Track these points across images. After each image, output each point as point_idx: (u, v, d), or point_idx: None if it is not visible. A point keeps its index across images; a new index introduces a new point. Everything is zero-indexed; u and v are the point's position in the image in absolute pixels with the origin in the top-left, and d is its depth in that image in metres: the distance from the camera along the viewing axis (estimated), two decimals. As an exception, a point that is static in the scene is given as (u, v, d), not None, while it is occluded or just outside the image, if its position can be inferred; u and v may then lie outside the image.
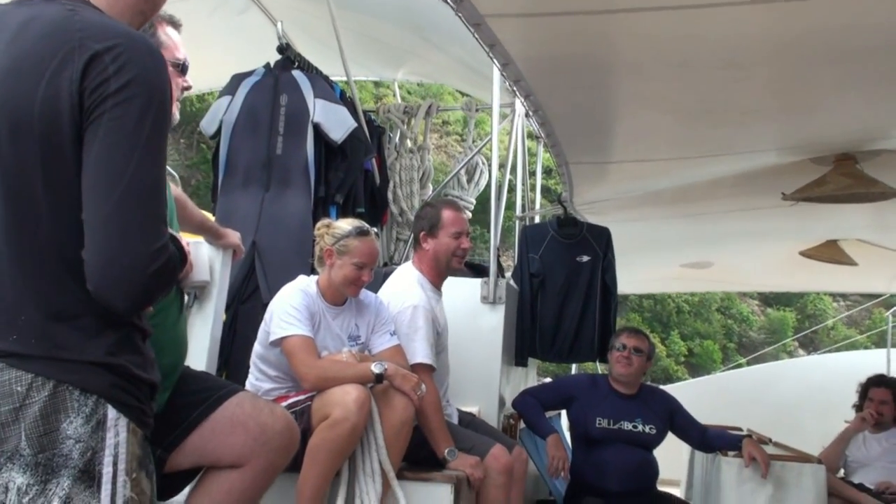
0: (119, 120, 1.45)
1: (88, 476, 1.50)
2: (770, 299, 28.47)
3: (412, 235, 4.13)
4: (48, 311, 1.50)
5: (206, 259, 3.04)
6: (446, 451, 3.48)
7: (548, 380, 6.15)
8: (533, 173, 6.84)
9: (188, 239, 2.58)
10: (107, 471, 1.51)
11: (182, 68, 2.27)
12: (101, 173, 1.46)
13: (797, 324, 25.33)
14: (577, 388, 4.56)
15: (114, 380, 1.53)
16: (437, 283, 3.92)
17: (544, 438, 4.31)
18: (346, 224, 3.46)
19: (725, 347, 26.18)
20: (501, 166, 5.57)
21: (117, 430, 1.53)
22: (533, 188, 6.78)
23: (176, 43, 2.30)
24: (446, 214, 3.89)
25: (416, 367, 3.56)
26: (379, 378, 3.15)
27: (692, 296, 26.48)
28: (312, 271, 3.61)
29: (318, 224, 3.51)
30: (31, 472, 1.46)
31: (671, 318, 26.27)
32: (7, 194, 1.49)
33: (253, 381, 3.42)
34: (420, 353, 3.62)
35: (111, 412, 1.52)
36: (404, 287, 3.83)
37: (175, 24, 2.33)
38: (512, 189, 6.12)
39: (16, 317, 1.49)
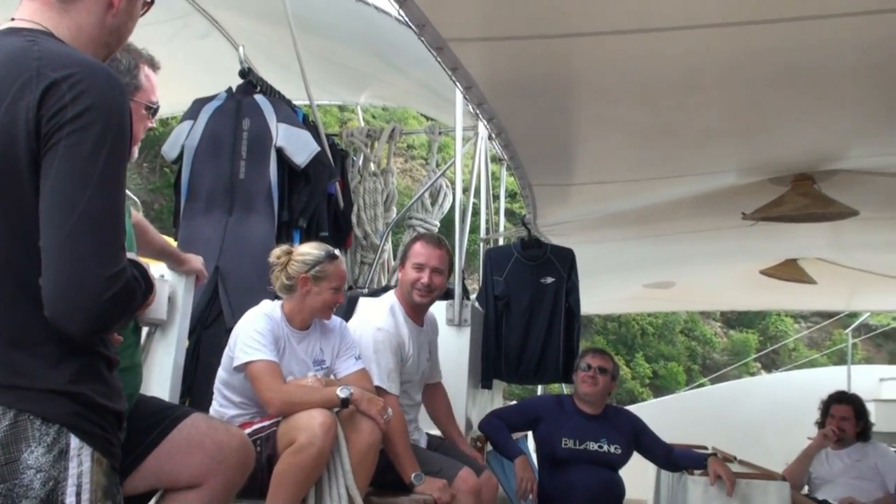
0: (75, 147, 1.46)
1: None
2: (732, 321, 28.76)
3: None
4: (9, 339, 1.49)
5: (164, 296, 3.01)
6: (413, 475, 3.46)
7: (514, 402, 6.15)
8: (497, 196, 6.87)
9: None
10: (69, 501, 1.49)
11: (153, 112, 2.28)
12: (56, 200, 1.45)
13: (759, 345, 25.59)
14: (544, 408, 4.57)
15: (76, 409, 1.52)
16: (410, 312, 3.90)
17: (512, 460, 4.30)
18: (312, 249, 3.44)
19: (689, 369, 26.36)
20: (465, 189, 5.60)
21: (80, 459, 1.51)
22: (497, 211, 6.81)
23: (153, 86, 2.32)
24: (415, 246, 3.92)
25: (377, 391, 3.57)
26: (345, 402, 3.14)
27: (656, 318, 26.66)
28: (276, 297, 3.58)
29: (277, 252, 3.46)
30: None
31: (636, 341, 26.42)
32: None
33: (217, 407, 3.38)
34: (376, 377, 3.62)
35: (74, 441, 1.51)
36: (375, 311, 3.85)
37: (154, 66, 2.35)
38: (476, 212, 6.14)
39: None
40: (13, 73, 1.49)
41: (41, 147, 1.46)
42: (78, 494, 1.50)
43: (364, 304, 4.16)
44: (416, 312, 3.93)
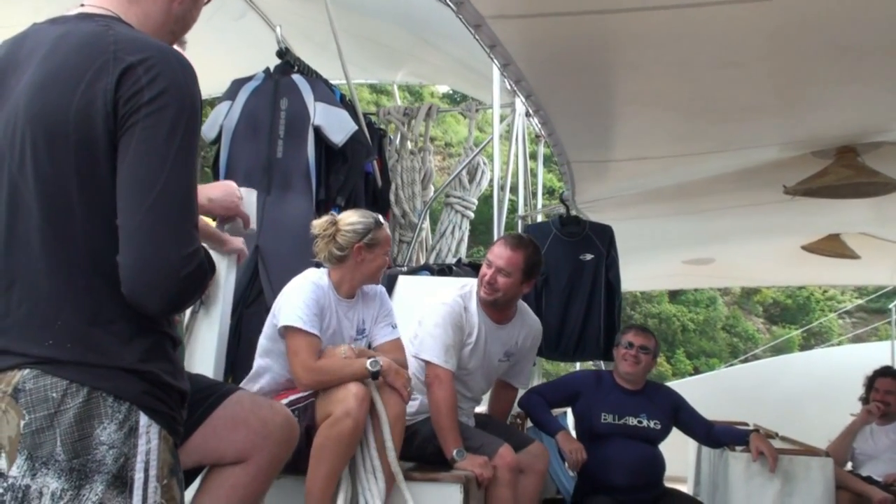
0: (152, 129, 1.50)
1: (121, 482, 1.52)
2: (775, 317, 28.52)
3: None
4: (85, 316, 1.53)
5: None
6: (455, 451, 3.48)
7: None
8: (535, 173, 6.84)
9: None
10: (139, 476, 1.53)
11: None
12: (135, 180, 1.50)
13: (802, 341, 25.33)
14: (583, 384, 4.57)
15: (146, 387, 1.55)
16: (487, 309, 3.88)
17: (553, 436, 4.31)
18: (360, 217, 3.42)
19: (731, 366, 26.25)
20: (503, 166, 5.58)
21: (149, 436, 1.55)
22: (535, 187, 6.79)
23: None
24: (495, 244, 3.93)
25: (432, 366, 3.61)
26: (375, 375, 3.16)
27: (697, 314, 26.53)
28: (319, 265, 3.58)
29: (321, 223, 3.43)
30: (66, 478, 1.48)
31: (676, 337, 26.27)
32: (43, 201, 1.53)
33: (258, 379, 3.39)
34: (430, 350, 3.64)
35: (143, 419, 1.55)
36: (449, 290, 3.89)
37: (181, 44, 2.37)
38: (514, 188, 6.12)
39: (52, 321, 1.52)
40: (90, 56, 1.53)
41: (118, 129, 1.50)
42: (146, 471, 1.54)
43: (435, 283, 4.15)
44: (491, 307, 3.89)
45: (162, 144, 1.50)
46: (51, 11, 1.72)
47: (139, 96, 1.49)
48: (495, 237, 4.90)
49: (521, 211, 6.29)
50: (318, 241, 3.42)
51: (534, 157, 6.97)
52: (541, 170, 7.05)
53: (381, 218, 3.48)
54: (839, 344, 23.36)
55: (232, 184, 2.00)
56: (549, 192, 10.92)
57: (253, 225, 2.92)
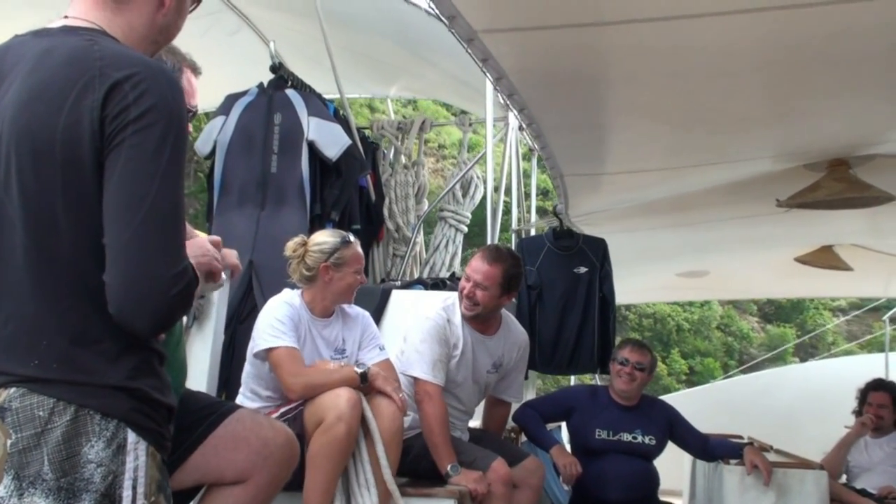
0: (139, 146, 1.48)
1: (109, 500, 1.51)
2: (770, 315, 28.51)
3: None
4: (70, 336, 1.51)
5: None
6: (449, 466, 3.47)
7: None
8: (528, 186, 6.85)
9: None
10: (126, 494, 1.52)
11: (191, 116, 2.31)
12: (122, 198, 1.48)
13: (797, 338, 25.37)
14: (577, 399, 4.56)
15: (134, 404, 1.54)
16: (472, 321, 3.88)
17: (547, 450, 4.30)
18: (327, 238, 3.45)
19: (726, 365, 26.16)
20: (496, 180, 5.58)
21: (137, 453, 1.54)
22: (528, 200, 6.79)
23: (193, 91, 2.37)
24: (474, 257, 3.91)
25: (420, 382, 3.61)
26: (364, 377, 3.18)
27: (692, 314, 26.50)
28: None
29: (291, 245, 3.47)
30: (54, 497, 1.47)
31: (671, 337, 26.26)
32: (28, 219, 1.51)
33: (244, 401, 3.39)
34: (418, 367, 3.64)
35: (131, 436, 1.53)
36: (431, 303, 3.90)
37: (196, 71, 2.40)
38: (507, 202, 6.12)
39: (38, 341, 1.50)
40: (76, 72, 1.51)
41: (105, 146, 1.48)
42: (134, 488, 1.53)
43: (420, 296, 4.15)
44: (473, 319, 3.89)
45: (150, 161, 1.48)
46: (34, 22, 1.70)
47: (126, 113, 1.48)
48: (489, 251, 4.90)
49: (514, 224, 6.29)
50: (290, 262, 3.45)
51: (528, 171, 6.97)
52: (534, 183, 7.05)
53: (350, 237, 3.48)
54: (833, 342, 23.38)
55: (204, 240, 1.98)
56: (544, 192, 10.91)
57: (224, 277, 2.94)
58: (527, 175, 6.80)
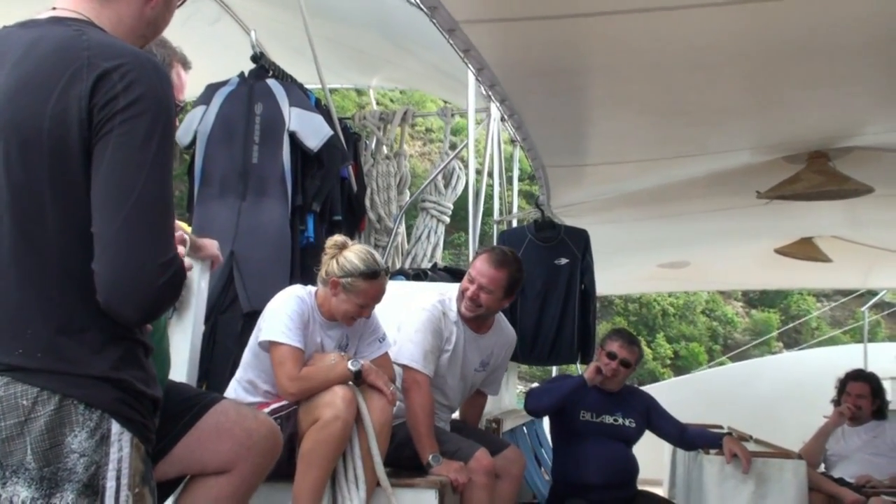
0: (128, 135, 1.49)
1: (92, 490, 1.51)
2: (754, 301, 28.74)
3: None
4: (55, 325, 1.51)
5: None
6: (430, 456, 3.48)
7: (534, 384, 6.17)
8: (510, 178, 6.86)
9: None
10: (110, 485, 1.52)
11: (178, 110, 2.30)
12: (111, 187, 1.48)
13: (781, 325, 25.54)
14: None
15: (118, 395, 1.54)
16: (465, 318, 3.88)
17: (571, 385, 4.38)
18: (357, 258, 3.31)
19: (711, 349, 26.35)
20: (478, 171, 5.59)
21: (121, 444, 1.54)
22: (510, 192, 6.80)
23: (182, 85, 2.38)
24: (478, 259, 3.89)
25: (409, 371, 3.61)
26: (357, 375, 3.17)
27: (677, 299, 26.68)
28: (291, 279, 3.59)
29: (331, 241, 3.41)
30: (36, 486, 1.47)
31: (657, 321, 26.45)
32: (15, 208, 1.51)
33: (239, 392, 3.38)
34: (407, 355, 3.64)
35: (115, 427, 1.53)
36: (427, 296, 3.89)
37: (186, 66, 2.40)
38: (489, 194, 6.14)
39: (22, 330, 1.50)
40: (64, 62, 1.51)
41: (93, 136, 1.49)
42: (118, 479, 1.53)
43: (416, 288, 4.13)
44: (472, 320, 3.91)
45: (138, 151, 1.49)
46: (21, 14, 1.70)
47: (114, 103, 1.48)
48: (471, 242, 4.91)
49: (496, 215, 6.31)
50: (325, 255, 3.41)
51: (510, 161, 6.98)
52: (516, 174, 7.07)
53: (378, 271, 3.33)
54: (817, 328, 23.58)
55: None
56: (531, 177, 10.91)
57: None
58: (509, 166, 6.81)
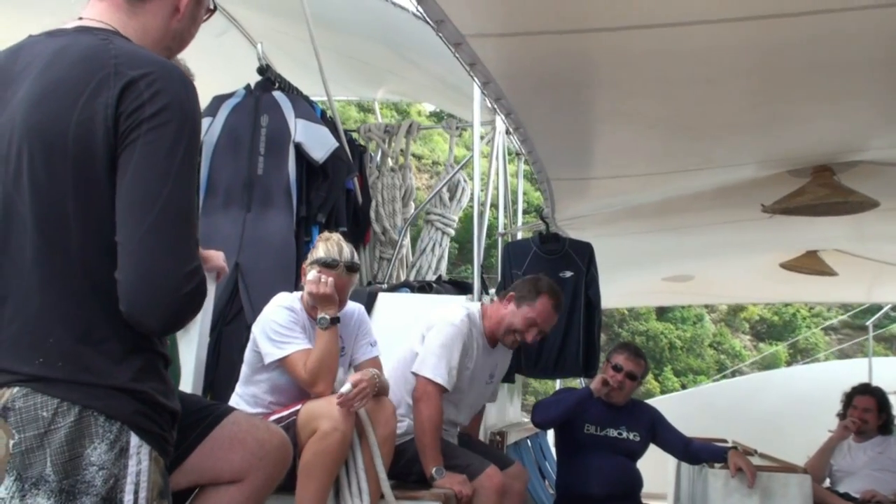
0: (154, 144, 1.48)
1: (109, 503, 1.49)
2: (762, 334, 28.73)
3: (506, 289, 4.16)
4: (76, 334, 1.50)
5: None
6: (434, 469, 3.48)
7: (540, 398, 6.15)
8: (515, 191, 6.86)
9: None
10: (128, 498, 1.50)
11: None
12: (136, 196, 1.48)
13: (789, 358, 25.51)
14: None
15: (138, 407, 1.53)
16: (488, 333, 3.91)
17: (580, 395, 4.41)
18: (322, 249, 3.34)
19: (713, 382, 26.33)
20: (483, 184, 5.59)
21: (140, 457, 1.52)
22: (515, 204, 6.81)
23: None
24: (542, 302, 3.84)
25: (424, 381, 3.60)
26: (335, 320, 3.24)
27: (684, 332, 26.64)
28: (296, 291, 3.59)
29: (322, 235, 3.46)
30: (56, 499, 1.45)
31: (664, 355, 26.40)
32: (38, 216, 1.51)
33: (243, 405, 3.36)
34: (431, 369, 3.63)
35: (134, 439, 1.52)
36: (454, 310, 3.84)
37: (189, 77, 2.39)
38: (494, 206, 6.13)
39: (43, 339, 1.49)
40: (90, 70, 1.51)
41: (118, 144, 1.49)
42: (136, 493, 1.51)
43: (436, 301, 4.13)
44: (491, 339, 3.93)
45: (163, 160, 1.49)
46: (49, 23, 1.70)
47: (141, 111, 1.48)
48: (475, 255, 4.91)
49: (501, 228, 6.30)
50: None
51: (514, 174, 6.99)
52: (521, 187, 7.07)
53: (338, 264, 3.29)
54: (826, 360, 23.52)
55: None
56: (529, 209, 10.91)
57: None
58: (513, 171, 6.81)
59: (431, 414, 3.56)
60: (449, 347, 3.68)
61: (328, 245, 3.36)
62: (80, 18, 1.66)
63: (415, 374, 3.65)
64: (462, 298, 4.59)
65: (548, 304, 3.84)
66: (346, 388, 3.07)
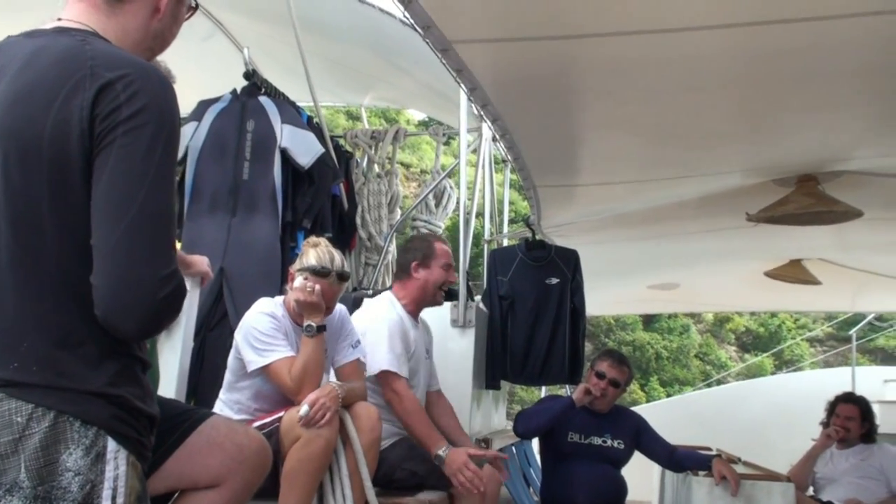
0: (130, 146, 1.46)
1: None
2: (747, 345, 28.87)
3: (398, 265, 4.15)
4: (52, 338, 1.48)
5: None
6: (440, 450, 3.49)
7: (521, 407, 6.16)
8: (501, 199, 6.86)
9: None
10: None
11: None
12: (112, 199, 1.46)
13: (775, 369, 25.65)
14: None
15: (114, 411, 1.51)
16: (413, 311, 3.95)
17: (564, 404, 4.43)
18: (314, 256, 3.32)
19: (696, 391, 26.44)
20: (469, 190, 5.59)
21: (117, 462, 1.50)
22: (501, 212, 6.81)
23: None
24: (439, 247, 3.98)
25: (382, 375, 3.62)
26: (321, 328, 3.24)
27: (670, 342, 26.73)
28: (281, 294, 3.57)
29: (308, 240, 3.46)
30: None
31: (650, 365, 26.49)
32: (13, 219, 1.49)
33: (227, 411, 3.33)
34: (384, 360, 3.65)
35: (111, 444, 1.50)
36: (377, 308, 3.89)
37: (170, 79, 2.38)
38: (480, 213, 6.13)
39: (18, 343, 1.47)
40: (66, 71, 1.49)
41: (94, 146, 1.46)
42: (113, 498, 1.49)
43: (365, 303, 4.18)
44: (417, 312, 3.98)
45: (140, 162, 1.46)
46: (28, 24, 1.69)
47: (117, 113, 1.46)
48: (461, 261, 4.90)
49: (487, 235, 6.31)
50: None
51: (501, 183, 6.99)
52: (507, 194, 7.08)
53: (330, 273, 3.29)
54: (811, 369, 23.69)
55: None
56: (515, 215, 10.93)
57: None
58: (499, 178, 6.80)
59: (407, 404, 3.59)
60: (389, 338, 3.70)
61: (319, 252, 3.34)
62: (59, 19, 1.65)
63: (376, 378, 3.65)
64: (447, 305, 4.59)
65: (443, 245, 4.01)
66: (303, 410, 3.02)
